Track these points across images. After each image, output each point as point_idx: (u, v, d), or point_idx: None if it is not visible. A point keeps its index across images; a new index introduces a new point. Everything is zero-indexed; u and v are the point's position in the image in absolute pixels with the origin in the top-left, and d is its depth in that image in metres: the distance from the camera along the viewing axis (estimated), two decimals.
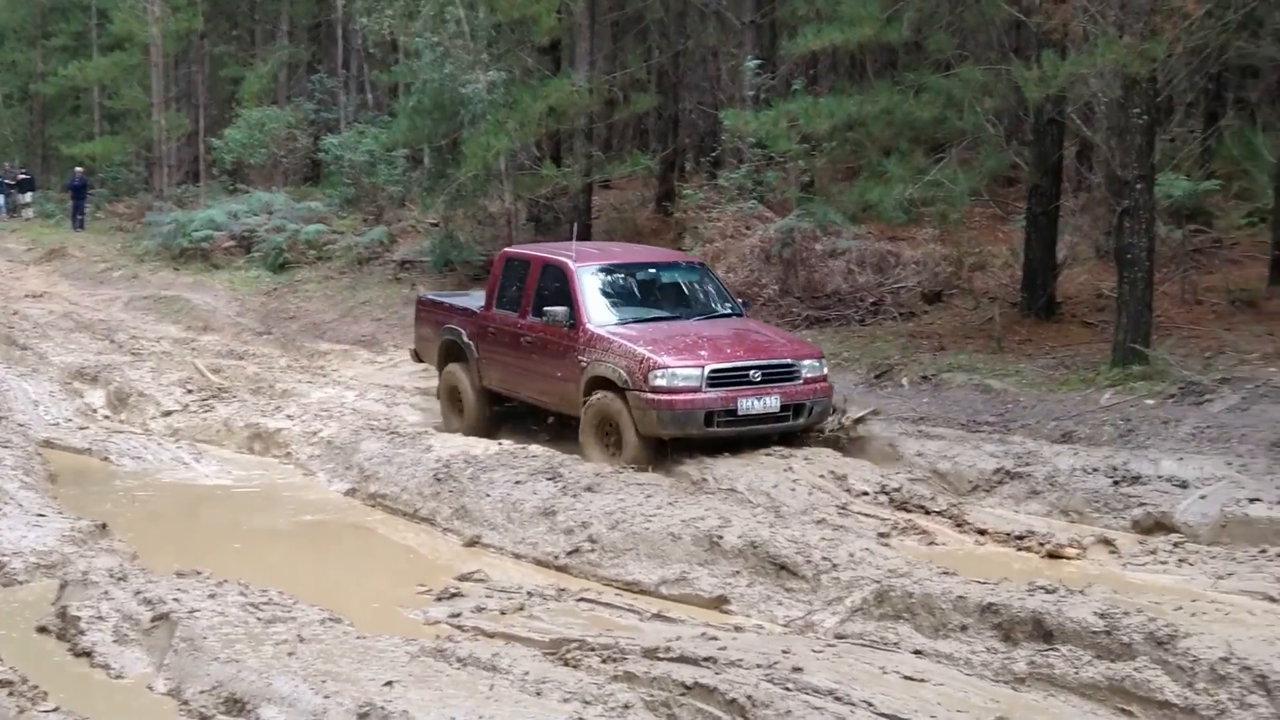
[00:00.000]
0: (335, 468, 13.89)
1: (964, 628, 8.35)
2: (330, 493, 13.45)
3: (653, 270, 14.77)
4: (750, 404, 12.86)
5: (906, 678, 7.41)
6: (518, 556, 11.16)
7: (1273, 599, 8.94)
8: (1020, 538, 11.01)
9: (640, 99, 26.03)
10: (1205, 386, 14.04)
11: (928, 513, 11.63)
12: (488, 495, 12.01)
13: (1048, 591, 8.37)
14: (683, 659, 7.83)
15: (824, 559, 9.73)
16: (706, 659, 7.75)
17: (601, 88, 24.82)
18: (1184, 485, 11.41)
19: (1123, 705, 7.33)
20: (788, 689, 7.21)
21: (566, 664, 8.03)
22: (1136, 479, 11.69)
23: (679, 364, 12.84)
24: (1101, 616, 7.82)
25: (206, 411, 16.35)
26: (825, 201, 20.78)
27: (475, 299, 15.95)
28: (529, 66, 25.12)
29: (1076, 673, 7.61)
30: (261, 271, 28.46)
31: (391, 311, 23.88)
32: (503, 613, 9.47)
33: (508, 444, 13.36)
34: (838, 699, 7.03)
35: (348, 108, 34.72)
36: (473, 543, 11.60)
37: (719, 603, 9.75)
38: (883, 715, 6.80)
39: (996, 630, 8.20)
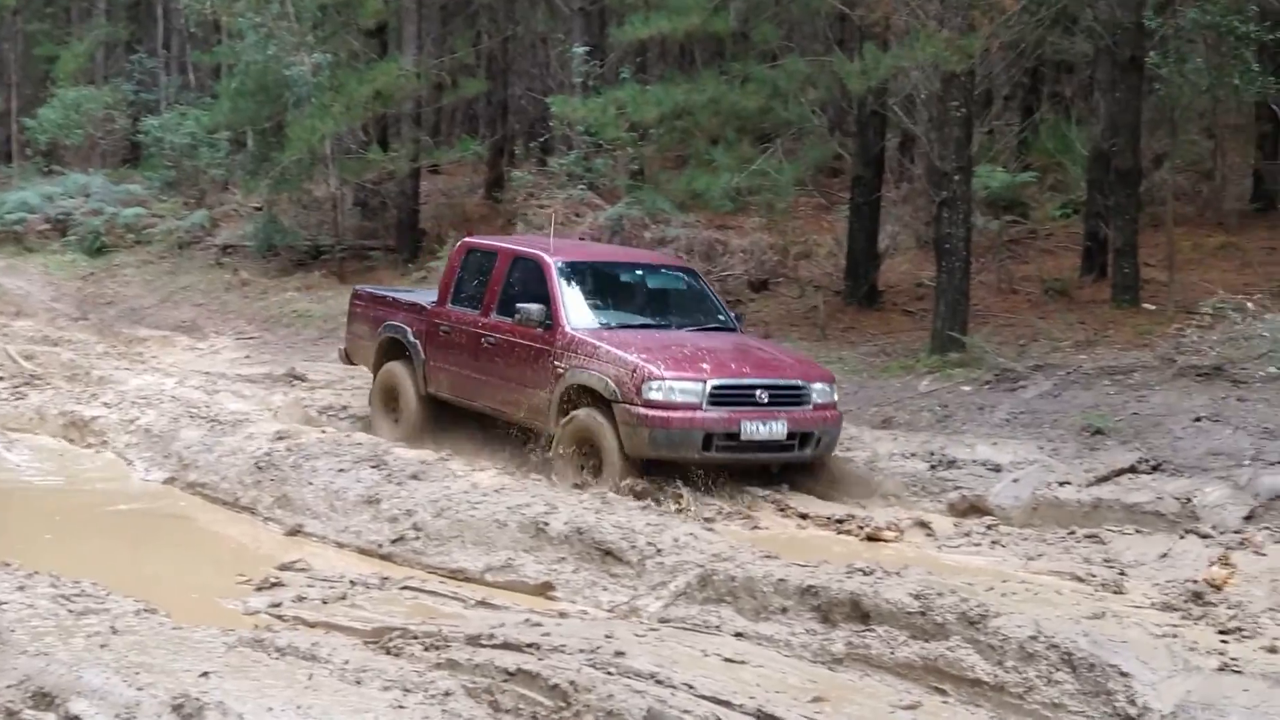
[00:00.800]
0: (153, 456, 13.57)
1: (784, 610, 8.47)
2: (148, 482, 13.14)
3: (639, 272, 13.33)
4: (755, 428, 11.42)
5: (727, 660, 7.50)
6: (341, 545, 11.02)
7: (1080, 579, 9.22)
8: (840, 521, 11.20)
9: (469, 84, 25.91)
10: (1019, 373, 14.42)
11: (752, 498, 11.75)
12: (310, 484, 11.83)
13: (865, 574, 8.54)
14: (506, 645, 7.81)
15: (649, 544, 9.77)
16: (530, 645, 7.74)
17: (429, 72, 24.62)
18: (998, 469, 11.72)
19: (936, 684, 7.49)
20: (610, 673, 7.24)
21: (388, 652, 7.95)
22: (953, 463, 11.97)
23: (678, 376, 11.37)
24: (916, 597, 7.98)
25: (18, 399, 15.82)
26: (654, 189, 20.90)
27: (422, 295, 14.39)
28: (355, 49, 24.82)
29: (892, 652, 7.76)
30: (78, 255, 27.66)
31: (213, 297, 23.43)
32: (324, 602, 9.34)
33: (331, 431, 13.17)
34: (659, 682, 7.08)
35: (168, 89, 33.87)
36: (294, 532, 11.42)
37: (544, 589, 9.73)
38: (703, 697, 6.86)
39: (816, 612, 8.33)
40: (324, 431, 13.27)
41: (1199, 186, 22.14)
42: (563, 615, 8.91)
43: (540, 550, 10.09)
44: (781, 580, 8.60)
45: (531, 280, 12.59)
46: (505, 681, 7.35)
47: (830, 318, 18.03)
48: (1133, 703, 6.80)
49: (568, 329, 12.07)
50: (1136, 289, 16.98)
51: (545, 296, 12.29)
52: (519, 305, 12.20)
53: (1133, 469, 11.59)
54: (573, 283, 12.51)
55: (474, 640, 7.95)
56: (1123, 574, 9.21)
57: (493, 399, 12.76)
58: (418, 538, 10.67)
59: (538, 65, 28.78)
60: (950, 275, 15.73)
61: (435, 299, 13.57)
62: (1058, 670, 7.21)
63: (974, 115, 16.77)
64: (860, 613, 8.15)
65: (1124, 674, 6.95)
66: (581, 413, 11.73)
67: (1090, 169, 18.84)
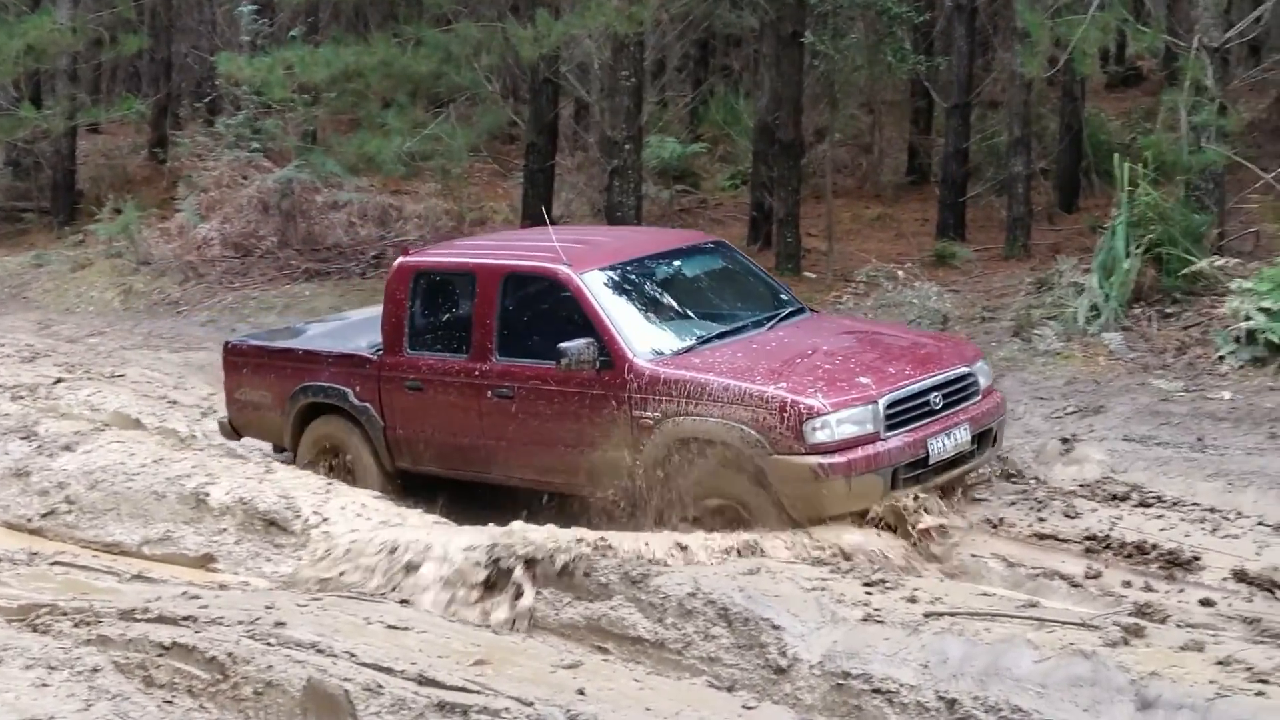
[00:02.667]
0: None
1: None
2: None
3: (676, 262, 10.21)
4: (941, 444, 8.79)
5: (390, 627, 7.46)
6: None
7: None
8: None
9: (129, 40, 24.79)
10: None
11: None
12: None
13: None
14: (161, 619, 7.62)
15: (315, 513, 9.64)
16: (186, 618, 7.57)
17: (87, 27, 23.53)
18: None
19: (599, 643, 7.62)
20: (270, 644, 7.14)
21: (35, 630, 7.64)
22: None
23: (842, 401, 8.55)
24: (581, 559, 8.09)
25: None
26: (325, 152, 20.58)
27: (335, 334, 11.32)
28: (4, 1, 23.52)
29: (557, 614, 7.86)
30: None
31: None
32: None
33: None
34: (320, 651, 7.02)
35: None
36: None
37: (205, 561, 9.52)
38: (364, 665, 6.83)
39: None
40: None
41: (858, 160, 23.08)
42: (223, 587, 8.75)
43: (201, 522, 9.87)
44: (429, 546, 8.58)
45: (548, 304, 9.67)
46: (160, 656, 7.19)
47: None
48: (783, 654, 7.05)
49: (639, 363, 9.07)
50: (798, 258, 17.58)
51: (585, 324, 9.28)
52: (563, 346, 9.07)
53: None
54: (617, 298, 9.55)
55: (127, 615, 7.72)
56: None
57: (524, 468, 9.72)
58: (70, 511, 10.31)
59: (204, 23, 27.91)
60: None
61: (379, 345, 10.36)
62: (715, 625, 7.41)
63: (645, 85, 17.06)
64: (528, 576, 8.20)
65: (776, 627, 7.19)
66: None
67: (756, 141, 19.37)
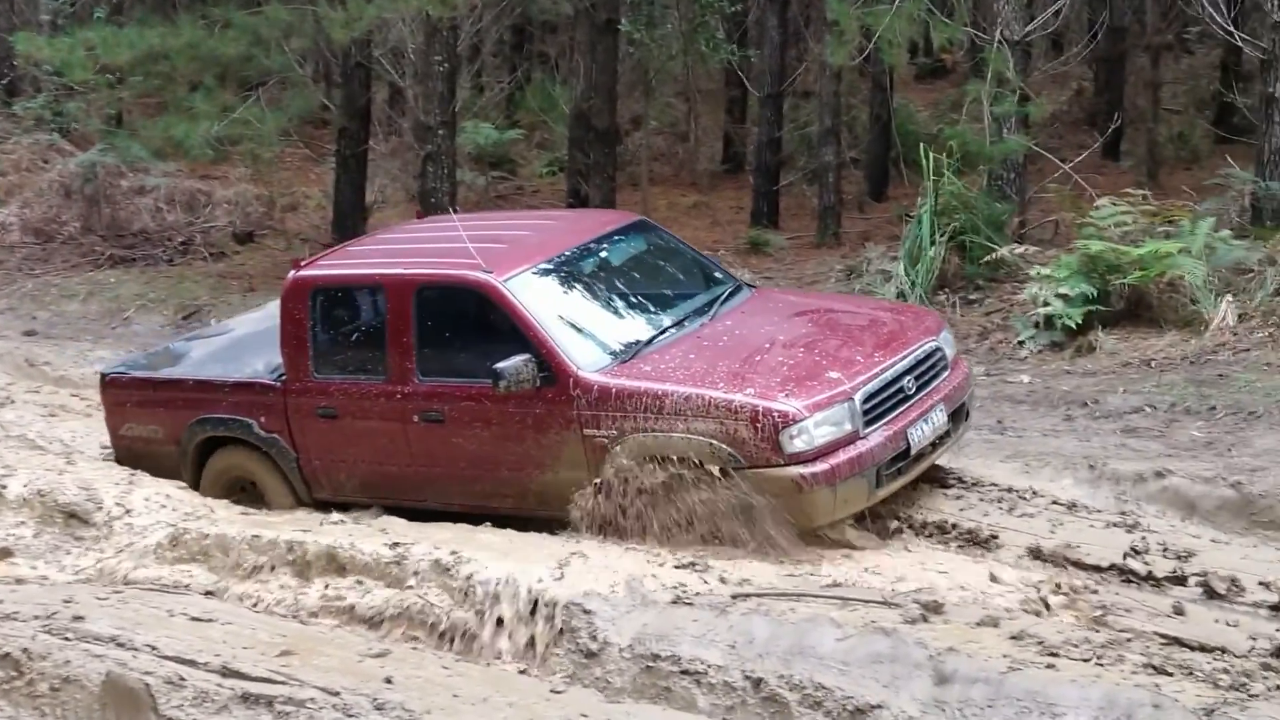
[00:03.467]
0: None
1: (260, 567, 8.35)
2: None
3: (604, 252, 9.17)
4: (921, 431, 8.16)
5: (195, 619, 7.36)
6: None
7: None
8: None
9: None
10: None
11: None
12: None
13: (343, 525, 8.55)
14: None
15: (117, 505, 9.41)
16: None
17: None
18: None
19: (409, 631, 7.58)
20: (67, 639, 7.00)
21: None
22: None
23: (817, 402, 7.80)
24: (392, 548, 8.04)
25: None
26: (131, 136, 20.10)
27: (223, 355, 10.24)
28: None
29: (367, 603, 7.79)
30: None
31: None
32: None
33: None
34: (120, 645, 6.90)
35: None
36: None
37: (2, 556, 9.21)
38: (166, 657, 6.73)
39: (291, 567, 8.26)
40: None
41: (675, 148, 23.26)
42: (20, 582, 8.52)
43: None
44: (256, 536, 8.47)
45: (472, 317, 8.66)
46: None
47: None
48: (594, 638, 7.09)
49: (585, 376, 8.18)
50: None
51: (517, 337, 8.30)
52: (499, 367, 8.07)
53: None
54: (549, 303, 8.56)
55: None
56: None
57: (464, 495, 8.79)
58: None
59: (2, 1, 26.99)
60: None
61: (279, 368, 9.36)
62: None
63: (459, 70, 16.99)
64: (337, 565, 8.13)
65: (587, 611, 7.23)
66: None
67: (572, 128, 19.40)
